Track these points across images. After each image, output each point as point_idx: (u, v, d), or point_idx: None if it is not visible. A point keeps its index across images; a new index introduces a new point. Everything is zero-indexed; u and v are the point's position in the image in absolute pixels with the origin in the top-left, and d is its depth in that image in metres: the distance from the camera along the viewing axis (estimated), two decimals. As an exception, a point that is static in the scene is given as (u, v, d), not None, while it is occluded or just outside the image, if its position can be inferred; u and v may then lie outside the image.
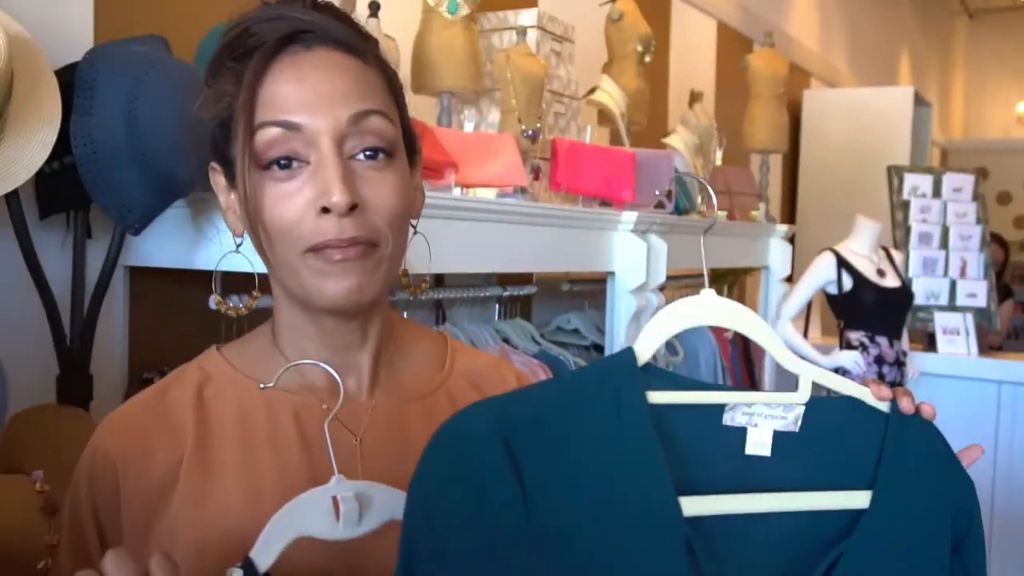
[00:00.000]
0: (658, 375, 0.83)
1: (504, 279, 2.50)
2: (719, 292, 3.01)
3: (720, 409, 0.83)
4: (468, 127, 2.16)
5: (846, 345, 3.60)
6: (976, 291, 4.14)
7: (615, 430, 0.78)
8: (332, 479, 0.81)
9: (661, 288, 2.47)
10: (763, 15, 5.10)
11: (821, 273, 3.61)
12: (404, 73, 2.12)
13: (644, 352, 0.82)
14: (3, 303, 1.63)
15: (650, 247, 2.36)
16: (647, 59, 2.91)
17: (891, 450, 0.82)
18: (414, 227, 0.95)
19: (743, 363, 3.19)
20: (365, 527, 0.81)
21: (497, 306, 2.50)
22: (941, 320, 4.10)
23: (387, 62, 0.91)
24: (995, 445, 3.94)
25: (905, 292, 3.69)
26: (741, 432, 0.83)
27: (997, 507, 3.94)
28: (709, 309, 0.84)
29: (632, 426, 0.78)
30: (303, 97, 0.82)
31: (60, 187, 1.55)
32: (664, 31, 4.06)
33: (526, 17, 2.44)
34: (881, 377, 3.54)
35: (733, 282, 3.88)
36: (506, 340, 2.33)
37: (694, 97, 3.28)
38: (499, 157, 2.05)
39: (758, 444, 0.82)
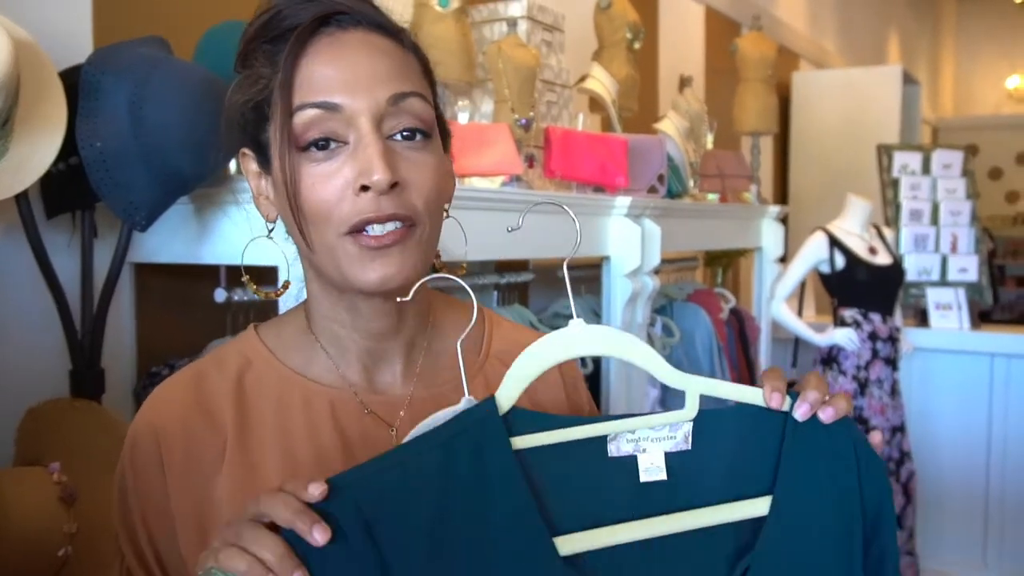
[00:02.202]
0: (525, 419, 0.78)
1: (501, 266, 2.54)
2: (714, 275, 3.05)
3: (603, 441, 0.79)
4: (462, 118, 2.20)
5: (840, 323, 3.65)
6: (967, 266, 4.19)
7: (479, 488, 0.75)
8: (462, 400, 0.79)
9: (656, 271, 2.51)
10: (750, -1, 5.13)
11: (813, 252, 3.66)
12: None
13: (507, 399, 0.78)
14: (16, 301, 1.67)
15: (644, 231, 2.40)
16: (636, 46, 2.95)
17: (789, 452, 0.79)
18: (447, 211, 0.93)
19: (739, 342, 3.24)
20: None
21: (495, 293, 2.54)
22: (933, 295, 4.15)
23: (420, 46, 0.90)
24: (989, 416, 4.00)
25: (897, 269, 3.74)
26: (632, 460, 0.79)
27: (992, 477, 3.99)
28: (577, 340, 0.79)
29: (497, 477, 0.75)
30: (342, 77, 0.81)
31: (66, 187, 1.59)
32: (652, 17, 4.09)
33: (516, 8, 2.47)
34: (875, 353, 3.59)
35: (727, 264, 3.93)
36: (505, 326, 2.37)
37: (684, 82, 3.32)
38: (494, 147, 2.08)
39: (651, 470, 0.79)
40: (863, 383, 3.59)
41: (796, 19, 6.00)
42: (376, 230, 0.82)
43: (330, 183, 0.81)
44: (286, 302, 1.10)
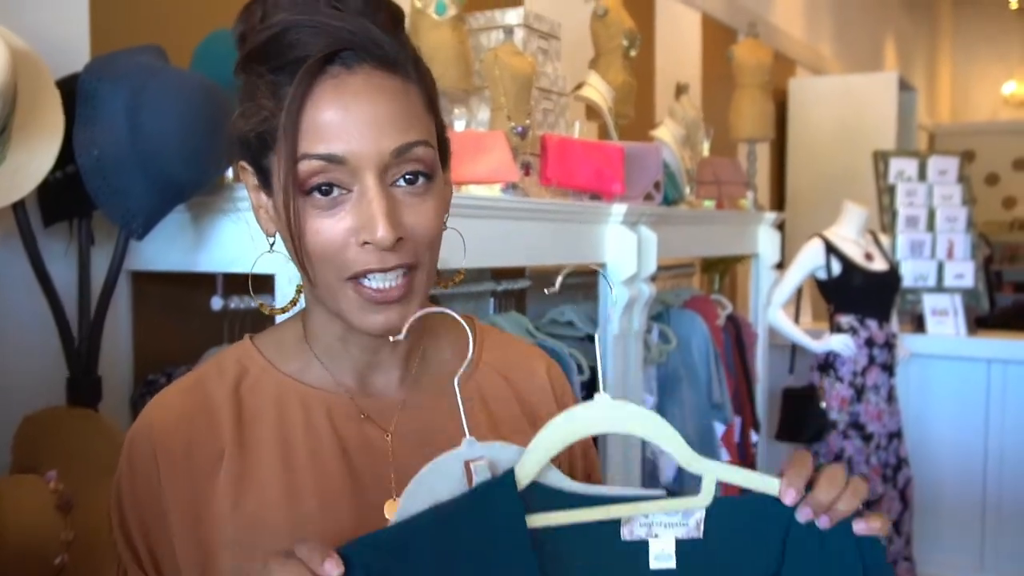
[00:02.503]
0: (543, 495, 0.78)
1: (498, 273, 2.54)
2: (711, 281, 3.05)
3: (616, 523, 0.79)
4: (459, 126, 2.20)
5: (836, 329, 3.66)
6: (963, 272, 4.20)
7: (493, 561, 0.75)
8: (463, 442, 0.79)
9: (652, 278, 2.52)
10: (747, 5, 5.14)
11: (810, 259, 3.67)
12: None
13: (525, 475, 0.78)
14: (14, 309, 1.67)
15: (640, 238, 2.41)
16: (632, 53, 2.95)
17: (793, 549, 0.80)
18: (444, 223, 0.93)
19: (735, 349, 3.24)
20: None
21: (492, 300, 2.55)
22: (930, 301, 4.16)
23: (423, 65, 0.89)
24: (986, 422, 4.00)
25: (893, 275, 3.75)
26: (644, 545, 0.79)
27: (989, 483, 4.00)
28: (602, 418, 0.80)
29: (511, 555, 0.76)
30: (346, 128, 0.81)
31: (63, 195, 1.59)
32: (649, 24, 4.11)
33: (513, 16, 2.48)
34: (872, 359, 3.60)
35: (724, 271, 3.94)
36: (502, 333, 2.37)
37: (680, 89, 3.33)
38: (490, 154, 2.09)
39: (661, 556, 0.79)
40: (860, 389, 3.59)
41: (793, 25, 6.01)
42: (378, 281, 0.83)
43: (333, 230, 0.82)
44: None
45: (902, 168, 4.38)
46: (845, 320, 3.64)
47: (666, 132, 2.96)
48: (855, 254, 3.67)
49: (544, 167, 2.32)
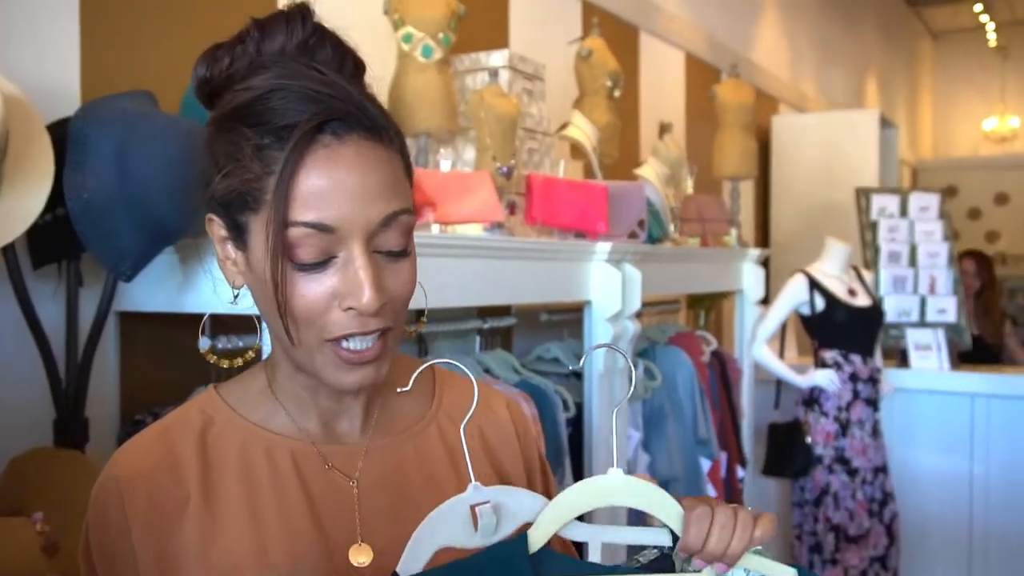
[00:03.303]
0: (551, 560, 0.81)
1: (484, 311, 2.56)
2: (696, 317, 3.06)
3: None
4: (445, 166, 2.23)
5: (821, 364, 3.68)
6: (946, 307, 4.24)
7: None
8: (469, 487, 0.82)
9: (637, 315, 2.54)
10: (729, 45, 5.22)
11: (794, 295, 3.70)
12: (381, 116, 2.19)
13: (537, 540, 0.81)
14: (2, 350, 1.68)
15: (625, 276, 2.43)
16: (617, 94, 3.00)
17: None
18: None
19: (721, 385, 3.26)
20: (501, 534, 0.82)
21: (478, 338, 2.56)
22: (913, 336, 4.19)
23: (396, 125, 0.91)
24: (971, 455, 4.02)
25: (876, 310, 3.78)
26: None
27: (975, 517, 4.01)
28: (615, 491, 0.83)
29: None
30: (336, 198, 0.82)
31: (53, 238, 1.61)
32: (633, 64, 4.16)
33: (497, 58, 2.52)
34: (856, 394, 3.63)
35: (710, 307, 3.97)
36: (487, 371, 2.39)
37: (663, 128, 3.37)
38: (476, 194, 2.12)
39: None
40: (844, 424, 3.61)
41: (775, 64, 6.10)
42: (356, 343, 0.85)
43: (317, 294, 0.84)
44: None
45: (884, 204, 4.43)
46: (829, 355, 3.67)
47: (650, 171, 3.00)
48: (838, 290, 3.71)
49: (529, 206, 2.35)
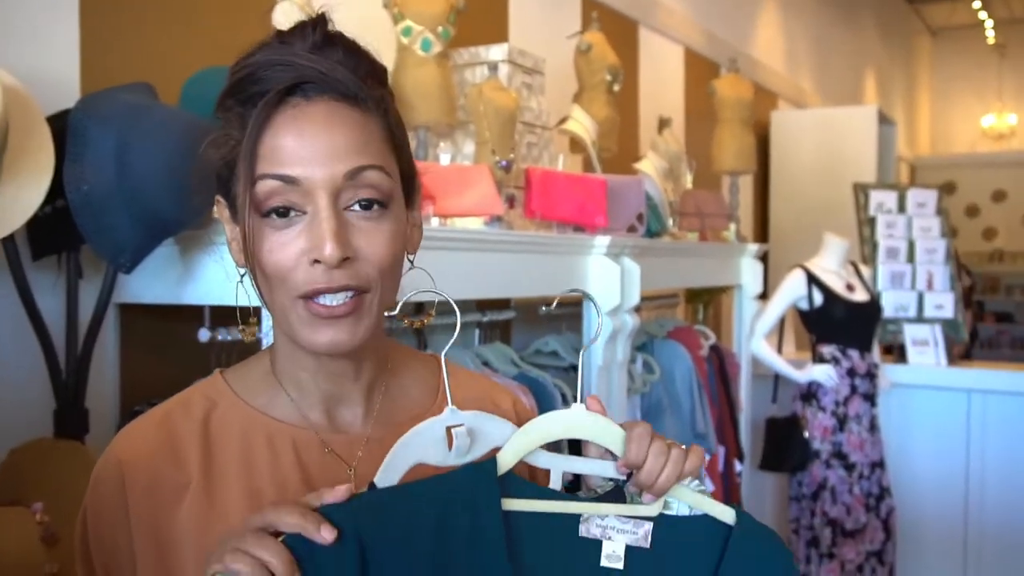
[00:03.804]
0: (517, 484, 0.87)
1: (483, 305, 2.56)
2: (695, 312, 3.07)
3: (576, 520, 0.87)
4: (444, 159, 2.23)
5: (819, 359, 3.69)
6: (943, 303, 4.24)
7: (468, 534, 0.82)
8: (446, 410, 0.87)
9: (637, 309, 2.55)
10: (728, 40, 5.23)
11: (792, 290, 3.71)
12: (380, 109, 2.19)
13: (504, 463, 0.86)
14: (2, 342, 1.68)
15: (623, 270, 2.44)
16: (616, 88, 3.00)
17: (728, 564, 0.88)
18: (411, 261, 0.98)
19: (719, 379, 3.27)
20: (473, 455, 0.87)
21: (477, 331, 2.57)
22: (910, 332, 4.20)
23: (389, 103, 0.93)
24: (967, 451, 4.03)
25: (874, 305, 3.79)
26: (597, 544, 0.87)
27: (971, 512, 4.02)
28: (576, 423, 0.89)
29: (483, 530, 0.83)
30: (301, 152, 0.85)
31: (52, 229, 1.61)
32: (632, 59, 4.17)
33: (497, 52, 2.52)
34: (854, 389, 3.63)
35: (708, 301, 3.97)
36: (486, 364, 2.39)
37: (663, 123, 3.38)
38: (475, 188, 2.12)
39: (611, 557, 0.87)
40: (842, 419, 3.62)
41: (774, 59, 6.11)
42: (328, 300, 0.86)
43: (286, 250, 0.85)
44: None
45: (882, 200, 4.44)
46: (827, 350, 3.68)
47: (649, 165, 3.00)
48: (836, 285, 3.71)
49: (528, 200, 2.35)
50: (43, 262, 1.69)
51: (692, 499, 0.89)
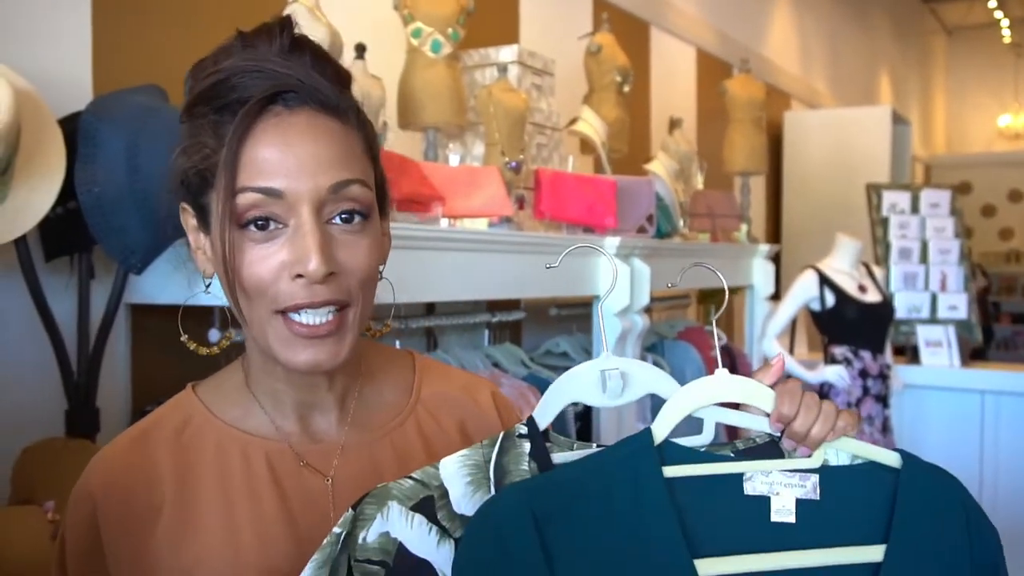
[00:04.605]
0: (676, 451, 0.87)
1: (493, 306, 2.57)
2: (707, 312, 3.07)
3: (740, 479, 0.87)
4: (453, 160, 2.24)
5: (831, 360, 3.68)
6: (957, 303, 4.23)
7: (634, 506, 0.83)
8: (602, 354, 0.88)
9: (647, 309, 2.55)
10: (741, 40, 5.21)
11: (804, 290, 3.70)
12: (390, 111, 2.21)
13: (660, 432, 0.86)
14: (15, 342, 1.70)
15: (633, 271, 2.44)
16: (626, 89, 3.01)
17: (903, 504, 0.87)
18: (380, 273, 0.95)
19: (730, 381, 3.25)
20: (624, 398, 0.89)
21: (487, 332, 2.58)
22: (923, 333, 4.18)
23: (364, 115, 0.92)
24: (980, 452, 4.01)
25: (886, 307, 3.78)
26: (765, 501, 0.86)
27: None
28: (722, 387, 0.89)
29: (649, 500, 0.83)
30: (285, 164, 0.82)
31: (64, 231, 1.63)
32: (644, 59, 4.17)
33: (507, 53, 2.53)
34: (866, 391, 3.62)
35: (720, 302, 3.97)
36: (496, 365, 2.40)
37: (673, 124, 3.37)
38: (484, 189, 2.13)
39: (782, 511, 0.86)
40: (854, 420, 3.61)
41: (787, 60, 6.09)
42: (308, 318, 0.84)
43: (267, 263, 0.83)
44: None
45: (895, 201, 4.42)
46: (839, 351, 3.67)
47: (659, 166, 3.00)
48: (848, 286, 3.70)
49: (538, 201, 2.36)
50: (55, 263, 1.71)
51: (854, 447, 0.89)
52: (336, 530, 0.82)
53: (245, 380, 0.96)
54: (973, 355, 4.34)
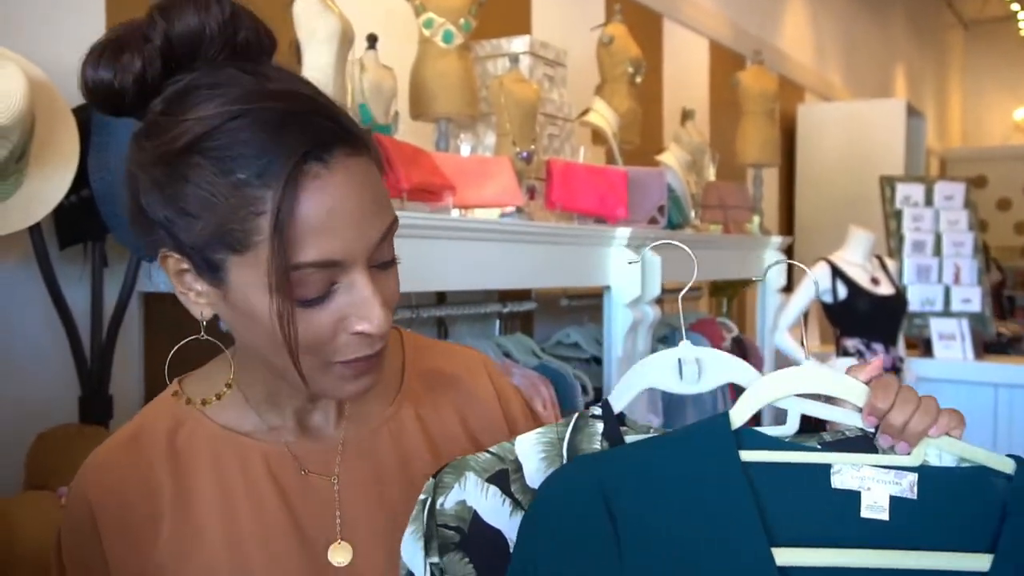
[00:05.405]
0: (755, 437, 0.84)
1: (504, 296, 2.57)
2: (719, 304, 3.07)
3: (827, 471, 0.82)
4: (465, 151, 2.25)
5: (843, 352, 3.67)
6: (970, 296, 4.21)
7: (707, 485, 0.80)
8: (681, 343, 0.88)
9: (658, 301, 2.55)
10: (754, 32, 5.20)
11: (816, 283, 3.69)
12: (402, 101, 2.21)
13: (738, 418, 0.84)
14: (29, 329, 1.71)
15: (644, 262, 2.44)
16: (638, 80, 3.00)
17: (1015, 512, 0.79)
18: None
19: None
20: (701, 386, 0.88)
21: (498, 322, 2.58)
22: (937, 326, 4.17)
23: (360, 126, 0.83)
24: (994, 445, 3.98)
25: (899, 299, 3.76)
26: (855, 495, 0.81)
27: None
28: (809, 377, 0.86)
29: (723, 481, 0.80)
30: (337, 231, 0.76)
31: (78, 219, 1.64)
32: (657, 51, 4.16)
33: (519, 44, 2.53)
34: (878, 383, 3.61)
35: (733, 295, 3.96)
36: (507, 355, 2.41)
37: (685, 115, 3.37)
38: (495, 179, 2.13)
39: (874, 507, 0.81)
40: (866, 413, 3.60)
41: (802, 52, 6.06)
42: (364, 366, 0.83)
43: (322, 323, 0.79)
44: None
45: (908, 193, 4.40)
46: (851, 343, 3.66)
47: (671, 157, 3.00)
48: (861, 278, 3.69)
49: (549, 191, 2.36)
50: (69, 252, 1.72)
51: (960, 449, 0.83)
52: (421, 497, 0.85)
53: (235, 383, 0.91)
54: (988, 348, 4.32)
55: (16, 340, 1.69)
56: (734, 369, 0.88)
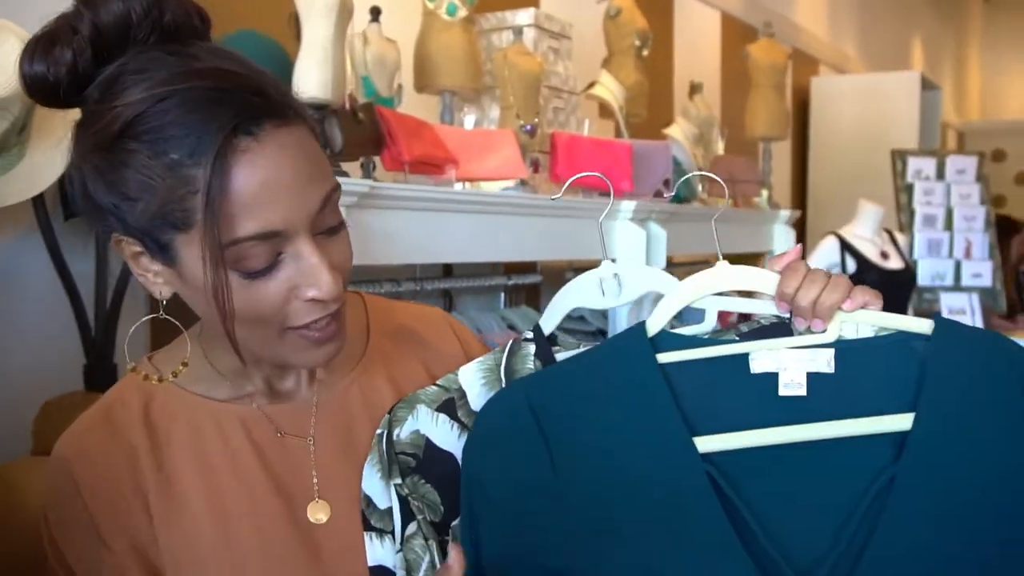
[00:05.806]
0: (673, 339, 0.87)
1: (509, 268, 2.58)
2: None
3: (745, 359, 0.84)
4: (469, 124, 2.25)
5: (852, 327, 3.66)
6: (981, 271, 4.19)
7: (626, 390, 0.85)
8: (602, 263, 0.94)
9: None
10: (767, 4, 5.15)
11: (824, 256, 3.69)
12: (406, 74, 2.21)
13: (655, 323, 0.88)
14: (35, 300, 1.73)
15: (650, 235, 2.44)
16: (645, 53, 2.99)
17: (935, 369, 0.79)
18: None
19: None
20: (623, 298, 0.94)
21: (503, 294, 2.59)
22: (947, 300, 4.15)
23: (293, 96, 0.84)
24: (1003, 422, 3.99)
25: (908, 273, 3.75)
26: (773, 377, 0.83)
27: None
28: (726, 276, 0.89)
29: (641, 383, 0.84)
30: (272, 200, 0.77)
31: (83, 190, 1.65)
32: (667, 23, 4.13)
33: (523, 16, 2.52)
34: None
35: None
36: (512, 327, 2.42)
37: (694, 88, 3.36)
38: (498, 152, 2.14)
39: (791, 385, 0.83)
40: (873, 387, 3.60)
41: (816, 24, 6.01)
42: (321, 322, 0.84)
43: (270, 295, 0.80)
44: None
45: (920, 167, 4.37)
46: (860, 318, 3.66)
47: (678, 131, 2.99)
48: (870, 252, 3.68)
49: (553, 164, 2.36)
50: (73, 222, 1.74)
51: (879, 319, 0.83)
52: (378, 431, 0.93)
53: (204, 355, 0.93)
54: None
55: (22, 310, 1.72)
56: (653, 279, 0.93)
